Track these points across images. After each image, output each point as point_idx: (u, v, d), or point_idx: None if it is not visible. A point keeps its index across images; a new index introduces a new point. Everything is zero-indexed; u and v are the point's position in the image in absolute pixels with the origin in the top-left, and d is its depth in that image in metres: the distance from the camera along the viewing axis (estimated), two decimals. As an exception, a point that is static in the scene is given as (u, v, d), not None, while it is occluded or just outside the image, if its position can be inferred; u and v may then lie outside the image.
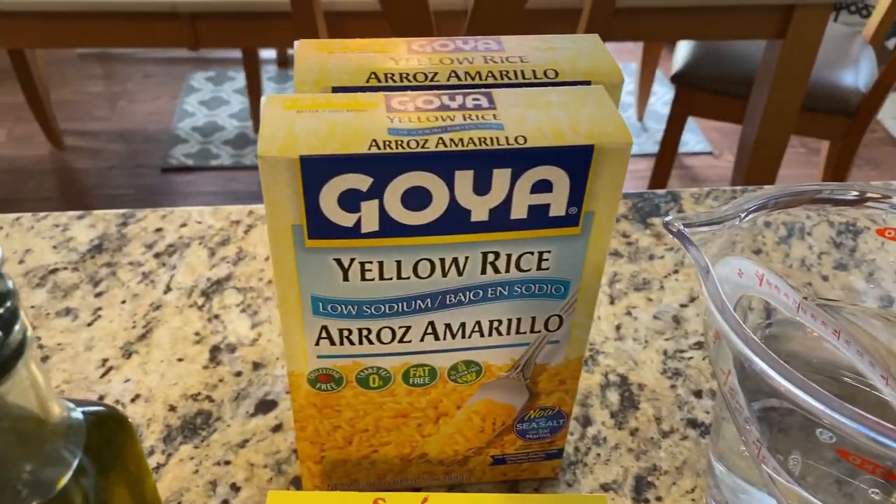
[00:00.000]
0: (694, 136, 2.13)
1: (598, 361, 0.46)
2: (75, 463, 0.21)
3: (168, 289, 0.50)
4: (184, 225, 0.55)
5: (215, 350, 0.46)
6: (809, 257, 0.45)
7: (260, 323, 0.48)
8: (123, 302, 0.49)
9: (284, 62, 2.41)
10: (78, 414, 0.22)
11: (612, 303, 0.50)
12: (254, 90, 2.04)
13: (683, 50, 1.61)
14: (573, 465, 0.41)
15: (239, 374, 0.45)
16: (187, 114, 2.20)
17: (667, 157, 1.69)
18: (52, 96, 2.17)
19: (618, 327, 0.48)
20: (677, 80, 1.57)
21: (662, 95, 2.29)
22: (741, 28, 1.31)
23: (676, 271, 0.52)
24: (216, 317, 0.48)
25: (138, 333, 0.47)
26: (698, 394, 0.44)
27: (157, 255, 0.52)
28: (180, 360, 0.45)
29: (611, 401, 0.44)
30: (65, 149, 2.08)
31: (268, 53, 2.44)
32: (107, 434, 0.22)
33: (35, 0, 1.16)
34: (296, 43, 0.32)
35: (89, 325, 0.47)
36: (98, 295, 0.49)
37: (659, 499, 0.39)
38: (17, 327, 0.19)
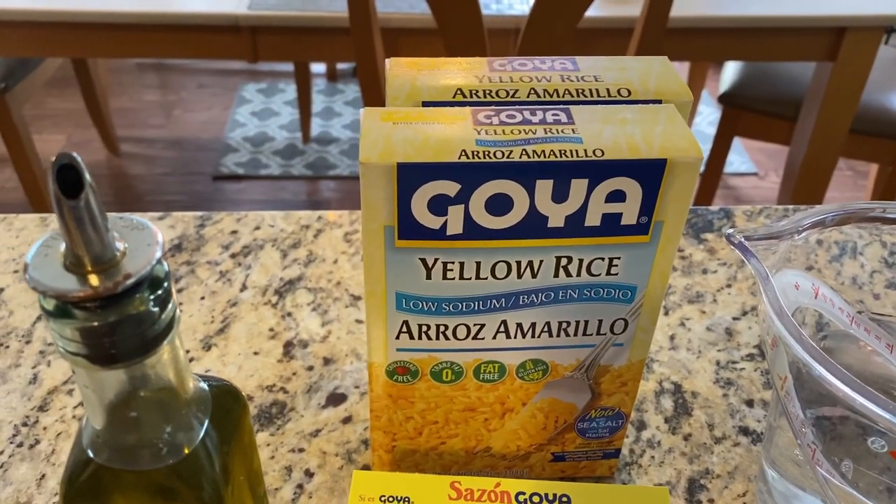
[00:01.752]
0: (739, 157, 2.13)
1: (653, 369, 0.48)
2: (203, 429, 0.24)
3: (244, 287, 0.53)
4: (257, 228, 0.58)
5: (288, 345, 0.49)
6: (861, 275, 0.46)
7: (330, 321, 0.50)
8: (202, 298, 0.52)
9: (334, 76, 2.47)
10: (205, 386, 0.25)
11: (666, 314, 0.52)
12: (304, 102, 2.09)
13: (731, 70, 1.62)
14: (628, 466, 0.43)
15: (311, 368, 0.47)
16: (239, 124, 2.26)
17: (712, 176, 1.69)
18: (110, 104, 2.25)
19: (672, 337, 0.50)
20: (724, 99, 1.58)
21: (708, 115, 2.29)
22: (792, 50, 1.32)
23: (729, 285, 0.54)
24: (289, 314, 0.51)
25: (217, 328, 0.50)
26: (750, 403, 0.46)
27: (233, 256, 0.55)
28: (256, 353, 0.48)
29: (665, 407, 0.46)
30: (120, 155, 2.16)
31: (318, 67, 2.50)
32: (227, 405, 0.25)
33: (106, 11, 1.21)
34: (387, 61, 0.34)
35: (171, 318, 0.50)
36: (178, 291, 0.52)
37: (711, 501, 0.41)
38: (170, 306, 0.21)
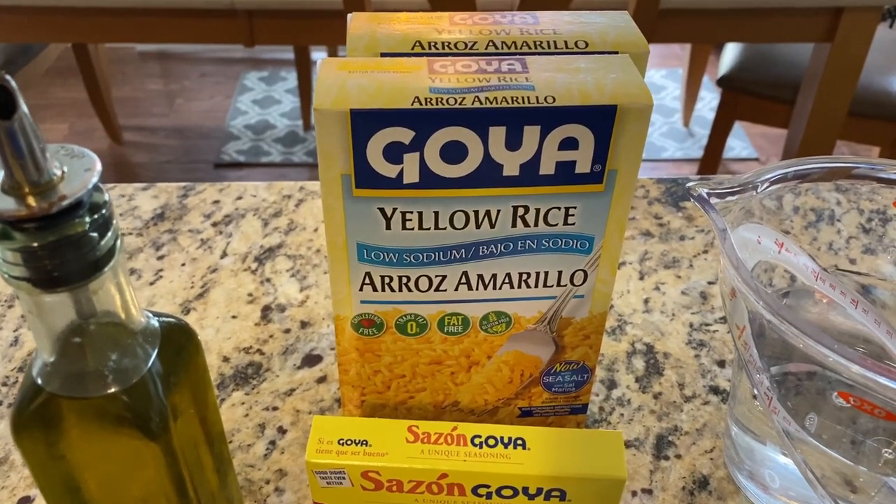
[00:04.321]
0: (740, 142, 2.12)
1: (626, 331, 0.48)
2: (151, 360, 0.24)
3: (224, 254, 0.53)
4: (240, 198, 0.58)
5: (266, 309, 0.49)
6: (837, 241, 0.46)
7: (308, 287, 0.51)
8: (183, 265, 0.53)
9: (335, 63, 2.47)
10: (154, 322, 0.25)
11: (641, 278, 0.52)
12: (305, 91, 2.10)
13: (730, 53, 1.61)
14: (597, 423, 0.43)
15: (288, 331, 0.48)
16: (240, 112, 2.26)
17: (712, 161, 1.69)
18: (113, 93, 2.26)
19: (646, 301, 0.50)
20: (723, 83, 1.57)
21: (709, 101, 2.28)
22: (788, 31, 1.31)
23: (706, 251, 0.54)
24: (268, 280, 0.52)
25: (196, 293, 0.51)
26: (721, 363, 0.46)
27: (214, 224, 0.56)
28: (234, 317, 0.49)
29: (636, 367, 0.46)
30: (123, 143, 2.17)
31: (319, 55, 2.50)
32: (178, 341, 0.26)
33: (103, -4, 1.22)
34: (349, 15, 0.35)
35: (151, 283, 0.51)
36: (160, 258, 0.53)
37: (678, 456, 0.41)
38: (109, 234, 0.22)
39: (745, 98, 1.57)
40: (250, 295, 0.50)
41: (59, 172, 0.20)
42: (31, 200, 0.20)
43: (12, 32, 1.31)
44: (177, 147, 2.15)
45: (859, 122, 1.51)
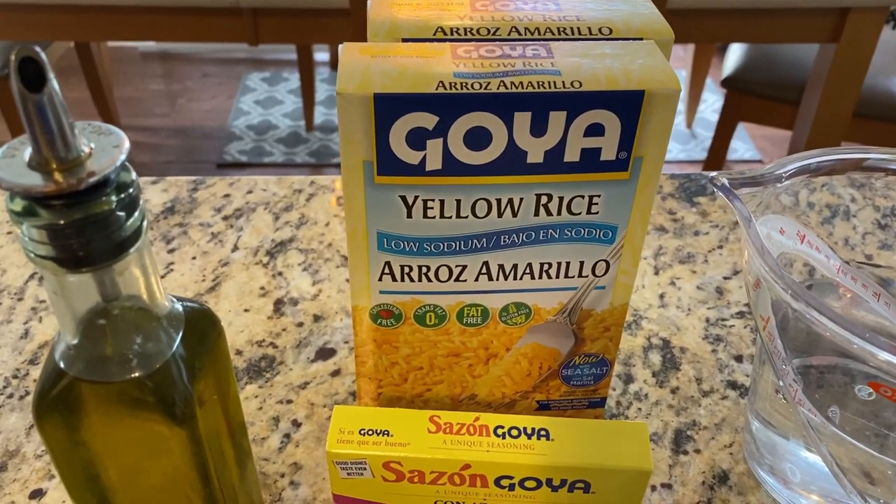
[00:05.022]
0: (744, 144, 2.12)
1: (642, 326, 0.48)
2: (175, 345, 0.24)
3: (235, 248, 0.53)
4: (250, 192, 0.58)
5: (279, 303, 0.49)
6: (853, 237, 0.46)
7: (320, 280, 0.51)
8: (194, 258, 0.52)
9: (337, 64, 2.46)
10: (178, 306, 0.25)
11: (656, 273, 0.52)
12: (307, 91, 2.10)
13: (734, 54, 1.61)
14: (615, 418, 0.43)
15: (301, 324, 0.48)
16: (243, 112, 2.26)
17: (716, 162, 1.69)
18: (115, 93, 2.26)
19: (661, 296, 0.50)
20: (727, 84, 1.57)
21: (713, 103, 2.28)
22: (793, 31, 1.31)
23: (721, 246, 0.54)
24: (280, 274, 0.51)
25: (208, 286, 0.50)
26: (739, 358, 0.46)
27: (225, 218, 0.56)
28: (246, 310, 0.48)
29: (653, 362, 0.46)
30: (126, 143, 2.16)
31: (321, 56, 2.50)
32: (202, 327, 0.25)
33: (108, -6, 1.22)
34: (369, 1, 0.34)
35: (163, 277, 0.51)
36: (171, 251, 0.53)
37: (697, 451, 0.41)
38: (136, 214, 0.21)
39: (749, 99, 1.57)
40: (262, 289, 0.50)
41: (86, 149, 0.20)
42: (59, 176, 0.19)
43: (15, 31, 1.31)
44: (179, 147, 2.15)
45: (864, 124, 1.51)
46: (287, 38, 1.35)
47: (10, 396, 0.43)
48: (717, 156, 1.69)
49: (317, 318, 0.48)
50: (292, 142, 2.14)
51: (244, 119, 2.23)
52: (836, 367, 0.39)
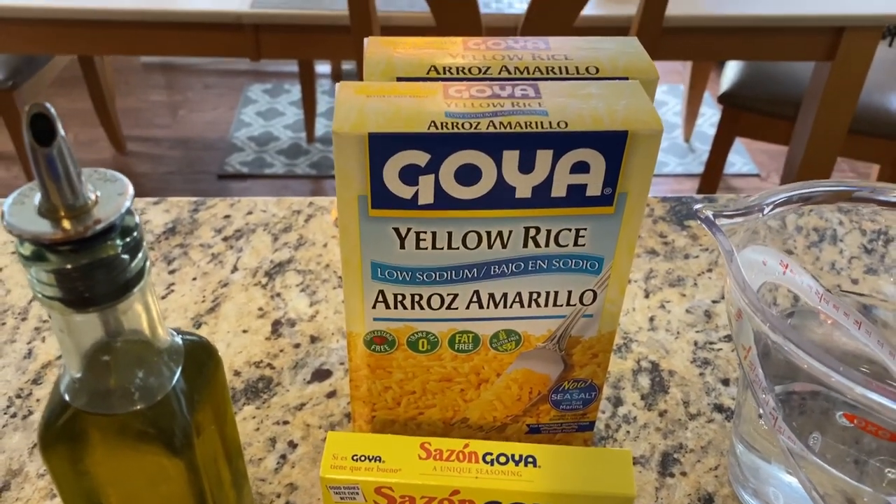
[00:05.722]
0: (741, 158, 2.13)
1: (631, 349, 0.49)
2: (175, 378, 0.25)
3: (235, 269, 0.54)
4: (250, 213, 0.59)
5: (277, 324, 0.50)
6: (840, 261, 0.47)
7: (318, 301, 0.52)
8: (194, 279, 0.53)
9: (339, 76, 2.48)
10: (178, 339, 0.26)
11: (646, 296, 0.53)
12: (308, 103, 2.11)
13: (732, 70, 1.62)
14: (603, 440, 0.44)
15: (298, 345, 0.49)
16: (244, 124, 2.28)
17: (713, 177, 1.70)
18: (117, 104, 2.28)
19: (651, 319, 0.51)
20: (724, 99, 1.58)
21: (710, 117, 2.30)
22: (790, 49, 1.32)
23: (710, 270, 0.55)
24: (278, 295, 0.52)
25: (207, 307, 0.51)
26: (726, 382, 0.47)
27: (225, 239, 0.57)
28: (245, 331, 0.50)
29: (642, 385, 0.47)
30: (127, 153, 2.18)
31: (323, 68, 2.52)
32: (200, 359, 0.26)
33: (111, 9, 1.23)
34: (366, 40, 0.36)
35: (163, 297, 0.52)
36: (171, 272, 0.54)
37: (684, 474, 0.42)
38: (139, 255, 0.23)
39: (746, 114, 1.59)
40: (261, 309, 0.51)
41: (93, 196, 0.21)
42: (67, 224, 0.20)
43: (19, 44, 1.32)
44: (180, 158, 2.16)
45: (860, 140, 1.52)
46: (288, 54, 1.37)
47: (14, 416, 0.44)
48: (714, 170, 1.70)
49: (313, 340, 0.49)
50: (293, 153, 2.16)
51: (245, 130, 2.25)
52: (817, 394, 0.40)
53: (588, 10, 1.20)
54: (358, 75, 2.46)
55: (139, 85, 2.49)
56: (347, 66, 2.49)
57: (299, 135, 2.23)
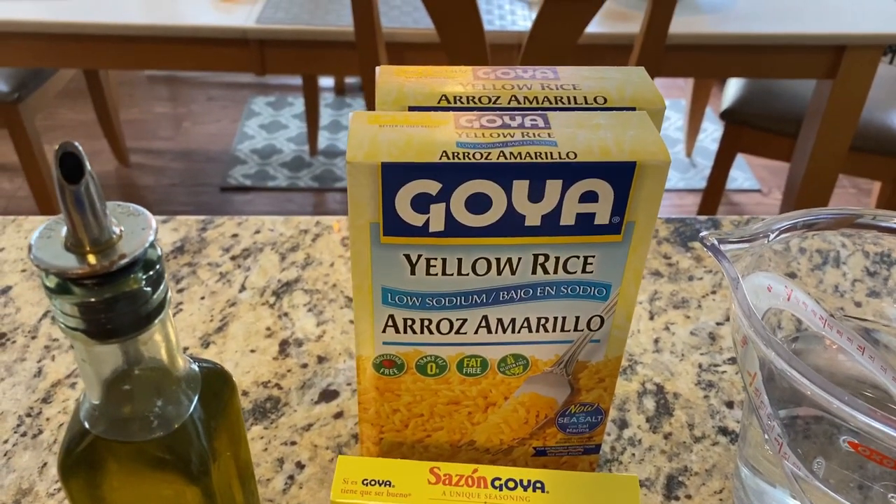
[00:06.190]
0: (743, 174, 2.14)
1: (637, 371, 0.49)
2: (192, 406, 0.26)
3: (243, 288, 0.55)
4: (258, 232, 0.60)
5: (284, 344, 0.50)
6: (843, 284, 0.47)
7: (325, 321, 0.52)
8: (202, 298, 0.54)
9: (342, 90, 2.50)
10: (195, 367, 0.27)
11: (651, 318, 0.53)
12: (311, 116, 2.12)
13: (734, 87, 1.63)
14: (609, 463, 0.44)
15: (305, 365, 0.49)
16: (247, 136, 2.29)
17: (715, 192, 1.71)
18: (121, 115, 2.29)
19: (656, 341, 0.52)
20: (726, 116, 1.59)
21: (712, 132, 2.31)
22: (792, 67, 1.33)
23: (714, 292, 0.55)
24: (285, 314, 0.53)
25: (215, 326, 0.52)
26: (730, 404, 0.47)
27: (233, 258, 0.57)
28: (252, 351, 0.50)
29: (647, 407, 0.47)
30: (130, 165, 2.19)
31: (326, 81, 2.53)
32: (216, 386, 0.27)
33: (117, 24, 1.24)
34: (378, 69, 0.36)
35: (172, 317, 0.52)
36: (179, 291, 0.54)
37: (689, 497, 0.42)
38: (161, 287, 0.23)
39: (747, 131, 1.59)
40: (268, 329, 0.52)
41: (118, 231, 0.22)
42: (93, 259, 0.21)
43: (24, 58, 1.33)
44: (183, 170, 2.17)
45: (861, 157, 1.53)
46: (293, 69, 1.38)
47: (24, 435, 0.44)
48: (716, 185, 1.71)
49: (321, 360, 0.49)
50: (296, 166, 2.16)
51: (248, 143, 2.26)
52: (822, 419, 0.41)
53: (592, 28, 1.21)
54: (362, 89, 2.47)
55: (143, 97, 2.50)
56: (350, 79, 2.50)
57: (302, 147, 2.24)
